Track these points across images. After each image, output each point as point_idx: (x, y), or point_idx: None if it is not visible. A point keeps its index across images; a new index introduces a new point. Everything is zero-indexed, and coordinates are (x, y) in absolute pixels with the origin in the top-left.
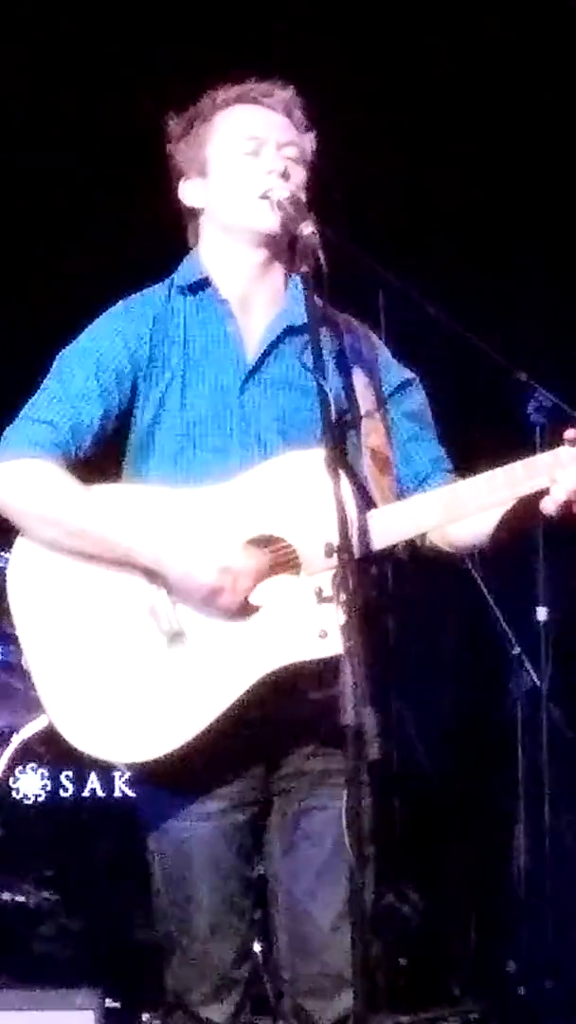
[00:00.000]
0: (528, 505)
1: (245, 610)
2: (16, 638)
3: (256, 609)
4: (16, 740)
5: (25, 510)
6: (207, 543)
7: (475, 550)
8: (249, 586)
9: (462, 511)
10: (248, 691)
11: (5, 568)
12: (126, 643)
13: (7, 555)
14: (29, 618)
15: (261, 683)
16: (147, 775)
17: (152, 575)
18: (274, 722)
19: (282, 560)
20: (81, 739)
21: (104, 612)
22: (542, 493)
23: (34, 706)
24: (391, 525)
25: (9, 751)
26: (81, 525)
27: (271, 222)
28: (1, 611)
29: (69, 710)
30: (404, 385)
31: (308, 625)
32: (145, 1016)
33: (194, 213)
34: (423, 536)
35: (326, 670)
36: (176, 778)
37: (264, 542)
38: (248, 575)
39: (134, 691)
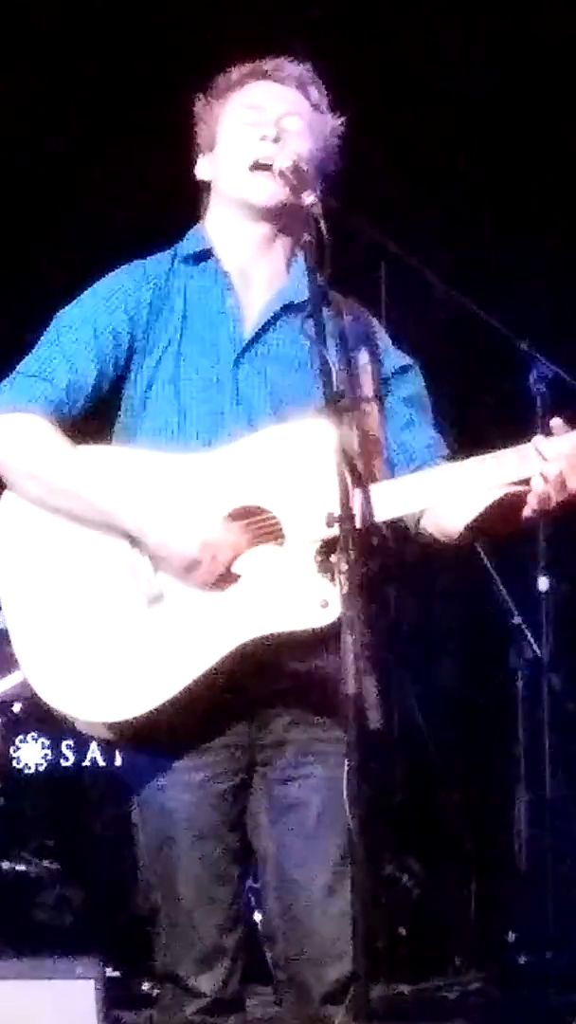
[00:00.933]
0: (519, 499)
1: (224, 581)
2: None
3: (235, 579)
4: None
5: (13, 465)
6: (190, 514)
7: (465, 541)
8: (228, 560)
9: (468, 485)
10: (226, 657)
11: None
12: (105, 603)
13: None
14: (8, 573)
15: (242, 651)
16: (130, 743)
17: (134, 540)
18: (257, 691)
19: (265, 530)
20: (55, 697)
21: (85, 571)
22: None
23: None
24: (394, 497)
25: None
26: (67, 485)
27: (264, 195)
28: None
29: (44, 668)
30: (403, 370)
31: (303, 594)
32: (145, 985)
33: (206, 187)
34: (416, 522)
35: (312, 640)
36: (158, 747)
37: (248, 512)
38: (227, 549)
39: (111, 651)
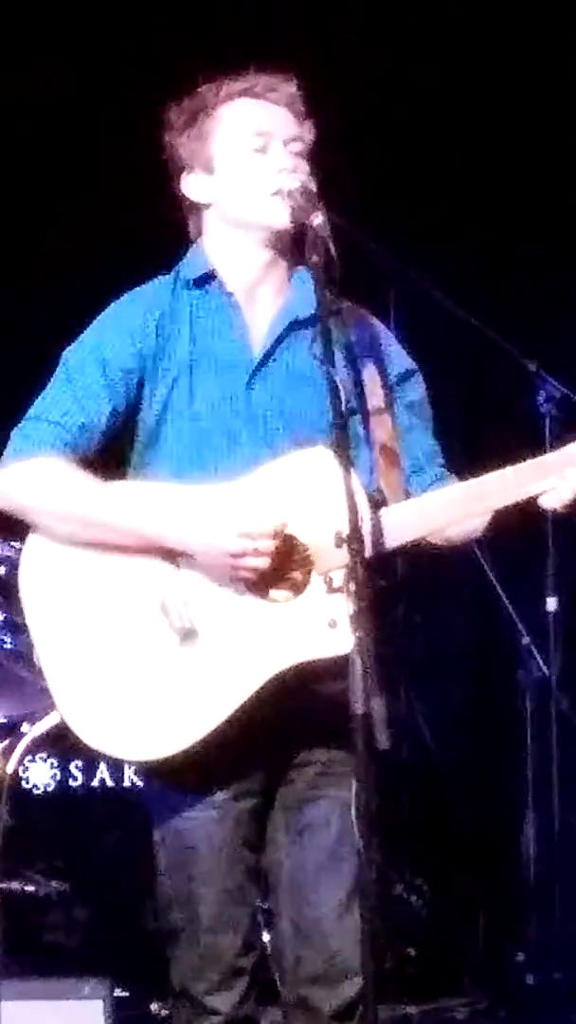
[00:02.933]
0: (530, 502)
1: (267, 581)
2: (25, 627)
3: (281, 582)
4: (29, 735)
5: (39, 507)
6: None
7: (470, 543)
8: (271, 549)
9: (473, 509)
10: (260, 689)
11: (15, 557)
12: (138, 640)
13: (16, 545)
14: (41, 615)
15: (272, 681)
16: (154, 770)
17: (171, 561)
18: (283, 717)
19: (297, 559)
20: (93, 737)
21: (116, 609)
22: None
23: (42, 695)
24: (403, 522)
25: (23, 745)
26: (101, 517)
27: (284, 218)
28: (10, 600)
29: (81, 708)
30: (406, 376)
31: (318, 618)
32: (154, 1005)
33: (197, 207)
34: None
35: (333, 665)
36: (183, 772)
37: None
38: (268, 537)
39: (146, 689)
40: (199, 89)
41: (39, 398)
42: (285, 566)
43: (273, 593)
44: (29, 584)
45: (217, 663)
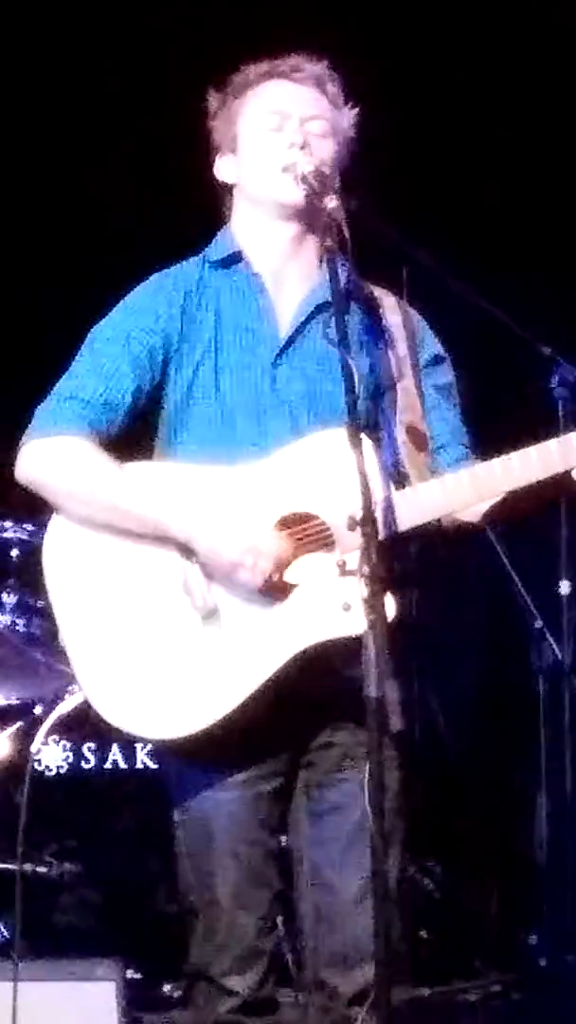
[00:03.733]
0: (551, 484)
1: (271, 589)
2: (40, 611)
3: (289, 588)
4: (52, 718)
5: (58, 487)
6: (238, 521)
7: (480, 528)
8: (269, 568)
9: (494, 489)
10: (280, 669)
11: (28, 540)
12: (161, 620)
13: (29, 527)
14: (65, 594)
15: (293, 660)
16: (175, 749)
17: (186, 551)
18: (304, 698)
19: (316, 538)
20: (115, 715)
21: (139, 589)
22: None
23: (55, 678)
24: (422, 503)
25: (45, 728)
26: (113, 501)
27: (294, 194)
28: (23, 583)
29: (103, 686)
30: (437, 360)
31: (334, 600)
32: (166, 987)
33: (228, 189)
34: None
35: (354, 646)
36: (203, 753)
37: (299, 520)
38: (270, 558)
39: (168, 668)
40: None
41: (64, 375)
42: (307, 546)
43: (290, 574)
44: (53, 562)
45: (238, 643)
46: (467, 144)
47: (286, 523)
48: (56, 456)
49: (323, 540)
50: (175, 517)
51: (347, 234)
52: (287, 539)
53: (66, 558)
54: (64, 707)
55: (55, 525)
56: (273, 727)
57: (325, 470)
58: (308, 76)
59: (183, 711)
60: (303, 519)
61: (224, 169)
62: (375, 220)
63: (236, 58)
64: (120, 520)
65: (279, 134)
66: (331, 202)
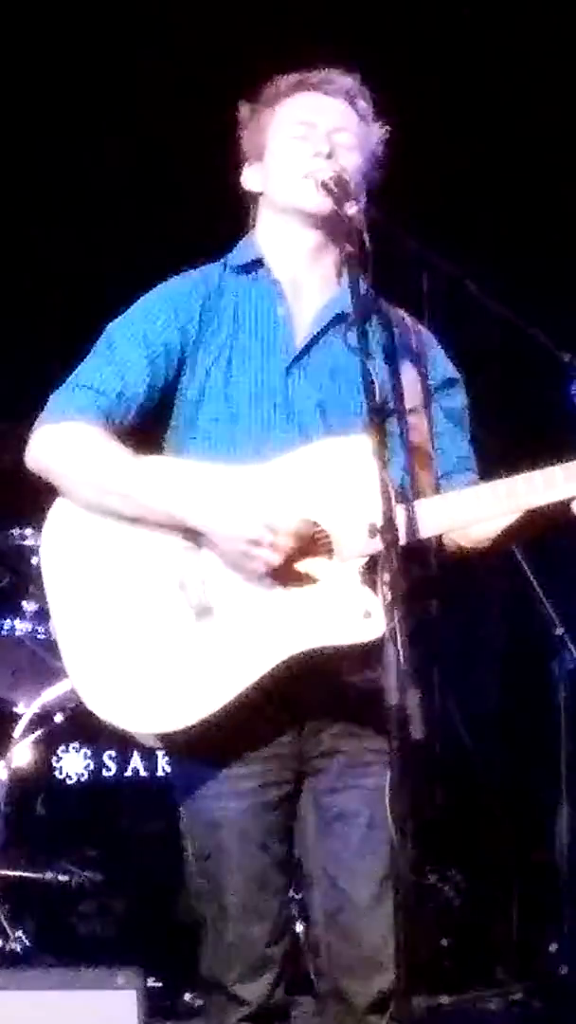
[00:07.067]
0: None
1: (281, 576)
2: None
3: (291, 585)
4: (34, 706)
5: (66, 471)
6: (252, 508)
7: (491, 551)
8: (289, 547)
9: (516, 505)
10: (276, 669)
11: (34, 546)
12: (154, 615)
13: (39, 534)
14: (60, 584)
15: (293, 662)
16: (179, 752)
17: (192, 540)
18: (307, 702)
19: (317, 544)
20: (104, 708)
21: (134, 584)
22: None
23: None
24: (440, 514)
25: (23, 723)
26: (127, 488)
27: (315, 202)
28: (44, 591)
29: (93, 678)
30: (449, 383)
31: (348, 608)
32: (187, 995)
33: (254, 197)
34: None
35: (363, 652)
36: (207, 756)
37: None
38: (289, 535)
39: (158, 663)
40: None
41: (80, 366)
42: (305, 551)
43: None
44: (50, 552)
45: (232, 640)
46: (488, 150)
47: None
48: (69, 441)
49: (323, 547)
50: (190, 504)
51: (368, 242)
52: (307, 523)
53: (63, 547)
54: (45, 698)
55: (56, 513)
56: (279, 735)
57: (328, 477)
58: (338, 89)
59: (171, 706)
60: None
61: (251, 178)
62: (396, 229)
63: (245, 70)
64: (132, 508)
65: (304, 143)
66: (351, 209)
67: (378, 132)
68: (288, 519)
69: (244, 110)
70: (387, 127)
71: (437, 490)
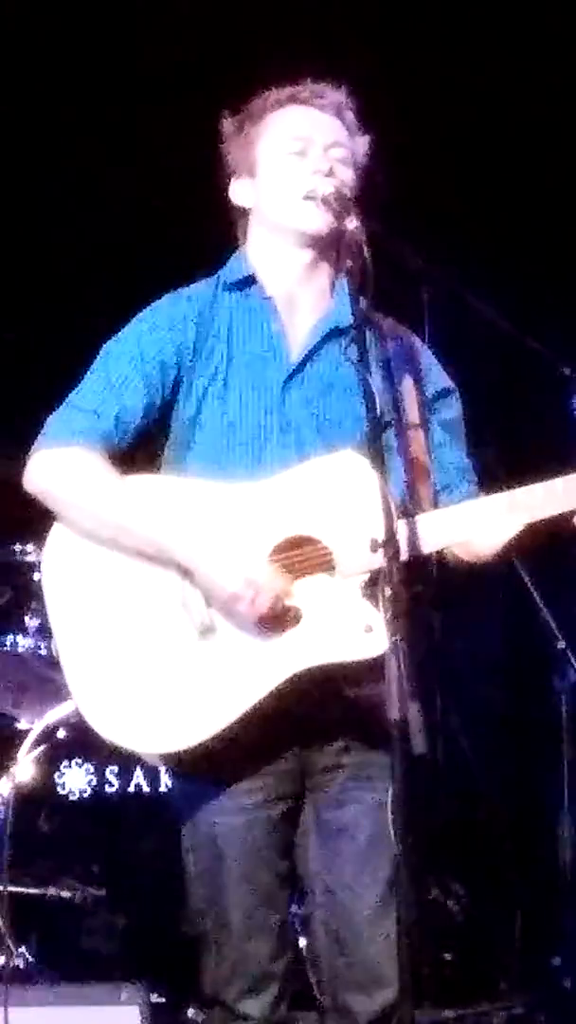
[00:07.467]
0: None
1: (266, 622)
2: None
3: (282, 621)
4: (38, 727)
5: (64, 498)
6: (239, 550)
7: (495, 562)
8: (267, 604)
9: (517, 518)
10: (280, 687)
11: (35, 562)
12: (157, 634)
13: (41, 550)
14: (61, 604)
15: (296, 679)
16: (181, 769)
17: (185, 571)
18: (309, 718)
19: (316, 560)
20: (107, 728)
21: (136, 602)
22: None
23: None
24: (441, 528)
25: (30, 739)
26: (116, 518)
27: (317, 223)
28: (45, 606)
29: (97, 698)
30: (444, 394)
31: (350, 624)
32: (191, 1011)
33: (243, 212)
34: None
35: (364, 668)
36: (209, 772)
37: (300, 542)
38: (269, 592)
39: (162, 682)
40: (252, 99)
41: (77, 388)
42: (304, 567)
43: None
44: (51, 573)
45: (236, 659)
46: (486, 160)
47: (287, 546)
48: (65, 467)
49: (323, 563)
50: (179, 543)
51: (368, 257)
52: (285, 574)
53: (64, 568)
54: (49, 718)
55: (56, 534)
56: (280, 751)
57: (327, 493)
58: (328, 103)
59: (175, 725)
60: (303, 541)
61: (240, 193)
62: (396, 242)
63: (238, 86)
64: (124, 538)
65: (302, 160)
66: (351, 223)
67: (364, 143)
68: (270, 573)
69: (228, 123)
70: (371, 137)
71: (436, 503)
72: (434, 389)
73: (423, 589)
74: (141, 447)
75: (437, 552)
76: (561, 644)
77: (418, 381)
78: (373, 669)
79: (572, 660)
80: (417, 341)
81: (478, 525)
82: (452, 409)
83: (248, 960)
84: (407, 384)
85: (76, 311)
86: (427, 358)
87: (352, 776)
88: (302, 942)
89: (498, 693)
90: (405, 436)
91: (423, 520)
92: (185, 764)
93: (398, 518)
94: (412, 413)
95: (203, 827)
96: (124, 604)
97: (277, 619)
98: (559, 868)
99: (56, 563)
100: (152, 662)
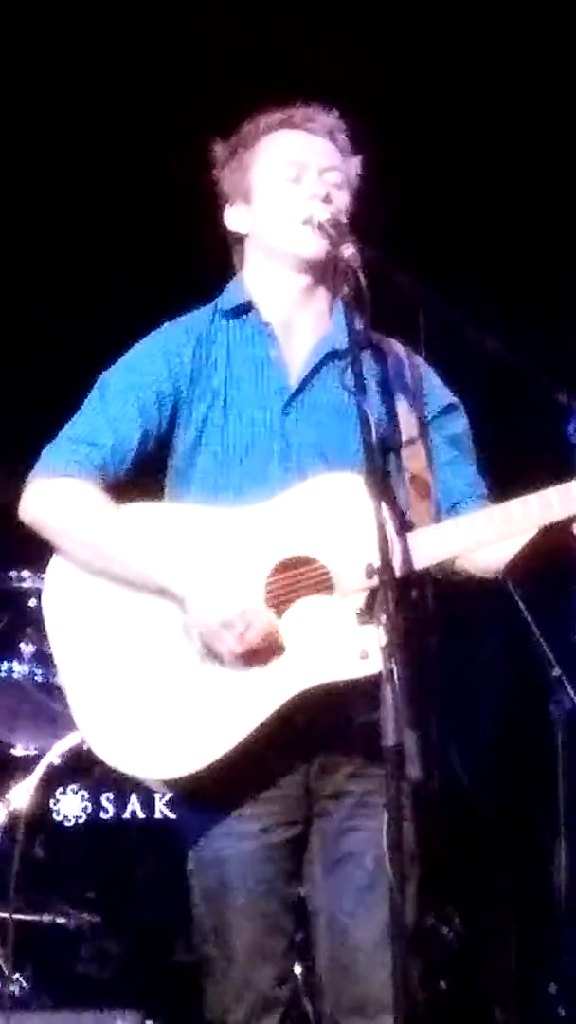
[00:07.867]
0: (563, 532)
1: (248, 660)
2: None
3: (264, 657)
4: (45, 761)
5: (57, 528)
6: (232, 579)
7: (504, 577)
8: (254, 642)
9: (509, 530)
10: (282, 710)
11: (40, 589)
12: (159, 661)
13: (37, 576)
14: (63, 634)
15: (301, 704)
16: (186, 795)
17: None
18: (316, 744)
19: (314, 581)
20: (113, 755)
21: (138, 630)
22: None
23: (71, 727)
24: (434, 544)
25: (38, 772)
26: (112, 550)
27: (314, 248)
28: (41, 633)
29: (101, 726)
30: (448, 410)
31: (346, 645)
32: None
33: (239, 238)
34: (452, 561)
35: (368, 692)
36: (214, 797)
37: (298, 562)
38: (259, 631)
39: (166, 708)
40: (243, 124)
41: (73, 418)
42: (302, 588)
43: (288, 614)
44: (52, 603)
45: (237, 683)
46: (486, 184)
47: (284, 566)
48: (60, 499)
49: (322, 584)
50: (168, 575)
51: (364, 281)
52: (276, 614)
53: (65, 596)
54: (57, 750)
55: (55, 564)
56: (286, 777)
57: (326, 513)
58: (321, 127)
59: (180, 751)
60: (301, 562)
61: (235, 219)
62: (390, 267)
63: (228, 109)
64: (119, 570)
65: (298, 186)
66: (347, 250)
67: (356, 164)
68: (262, 614)
69: (220, 149)
70: (360, 158)
71: (437, 519)
72: (438, 406)
73: (419, 615)
74: (144, 475)
75: (441, 573)
76: (557, 671)
77: (418, 399)
78: (376, 696)
79: (568, 687)
80: (418, 359)
81: (473, 539)
82: (457, 424)
83: (252, 985)
84: (407, 402)
85: (75, 339)
86: (430, 376)
87: (359, 803)
88: (297, 968)
89: (494, 720)
90: (405, 454)
91: (418, 536)
92: (190, 790)
93: (397, 534)
94: (412, 431)
95: (208, 852)
96: (126, 631)
97: (258, 653)
98: (555, 895)
99: (57, 591)
100: (155, 688)
